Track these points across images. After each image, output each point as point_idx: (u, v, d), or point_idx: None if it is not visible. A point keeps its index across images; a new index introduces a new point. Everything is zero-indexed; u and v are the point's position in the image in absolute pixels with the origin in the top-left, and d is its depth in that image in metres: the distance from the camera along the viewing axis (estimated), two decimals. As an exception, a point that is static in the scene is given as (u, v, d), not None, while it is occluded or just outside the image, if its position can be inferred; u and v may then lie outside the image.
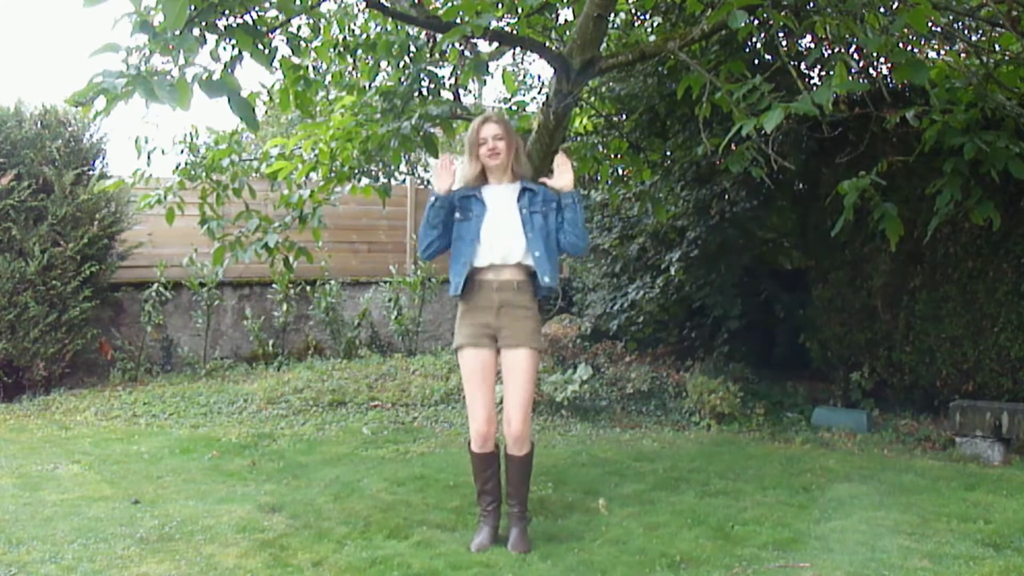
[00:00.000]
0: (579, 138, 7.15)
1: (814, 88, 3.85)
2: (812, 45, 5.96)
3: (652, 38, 6.41)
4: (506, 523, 3.54)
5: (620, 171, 7.37)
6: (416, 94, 5.62)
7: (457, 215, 3.51)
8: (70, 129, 7.40)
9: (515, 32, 5.68)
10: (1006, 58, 4.96)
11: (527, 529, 3.51)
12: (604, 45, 5.83)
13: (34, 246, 6.94)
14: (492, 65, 6.33)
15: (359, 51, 5.74)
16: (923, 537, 3.59)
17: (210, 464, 4.94)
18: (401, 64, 5.70)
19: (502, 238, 3.46)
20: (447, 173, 3.52)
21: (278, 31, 4.70)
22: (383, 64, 5.85)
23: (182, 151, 5.69)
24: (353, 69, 6.00)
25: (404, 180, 11.04)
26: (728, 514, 3.92)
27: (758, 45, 6.05)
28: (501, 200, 3.52)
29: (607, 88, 7.13)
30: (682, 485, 4.48)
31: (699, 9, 5.20)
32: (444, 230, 3.51)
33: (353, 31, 5.82)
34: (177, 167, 5.67)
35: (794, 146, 6.49)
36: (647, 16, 6.79)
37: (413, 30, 5.56)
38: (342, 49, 5.78)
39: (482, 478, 3.53)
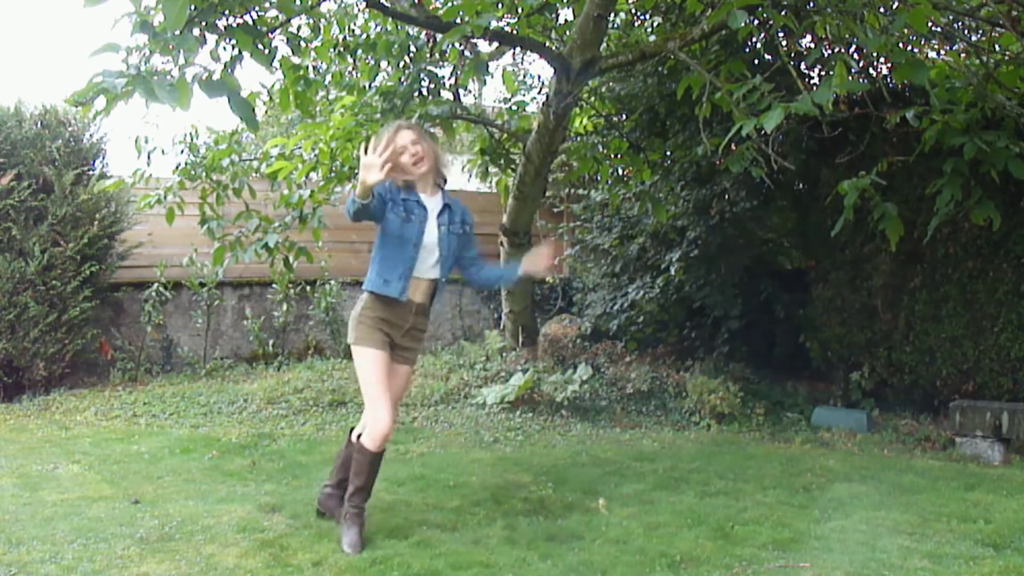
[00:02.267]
0: (579, 138, 7.15)
1: (814, 88, 3.85)
2: (812, 45, 5.96)
3: (652, 38, 6.42)
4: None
5: (620, 171, 7.37)
6: (416, 94, 5.63)
7: (401, 212, 3.43)
8: (70, 129, 7.39)
9: (515, 32, 5.69)
10: (1006, 58, 4.97)
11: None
12: (604, 45, 5.83)
13: (34, 246, 6.94)
14: (492, 65, 6.34)
15: (359, 51, 5.76)
16: (923, 537, 3.59)
17: (210, 464, 4.94)
18: (401, 64, 5.71)
19: (431, 251, 3.49)
20: (377, 168, 3.19)
21: (278, 31, 4.71)
22: (383, 64, 5.86)
23: (182, 151, 5.70)
24: (353, 69, 6.01)
25: (404, 180, 11.01)
26: (728, 514, 3.92)
27: (758, 45, 6.05)
28: (432, 212, 3.51)
29: (607, 88, 7.13)
30: (682, 485, 4.48)
31: (699, 9, 5.21)
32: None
33: (353, 31, 5.82)
34: (177, 167, 5.67)
35: (794, 146, 6.49)
36: (647, 16, 6.80)
37: (413, 30, 5.57)
38: (342, 49, 5.79)
39: (373, 476, 3.52)
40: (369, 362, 3.45)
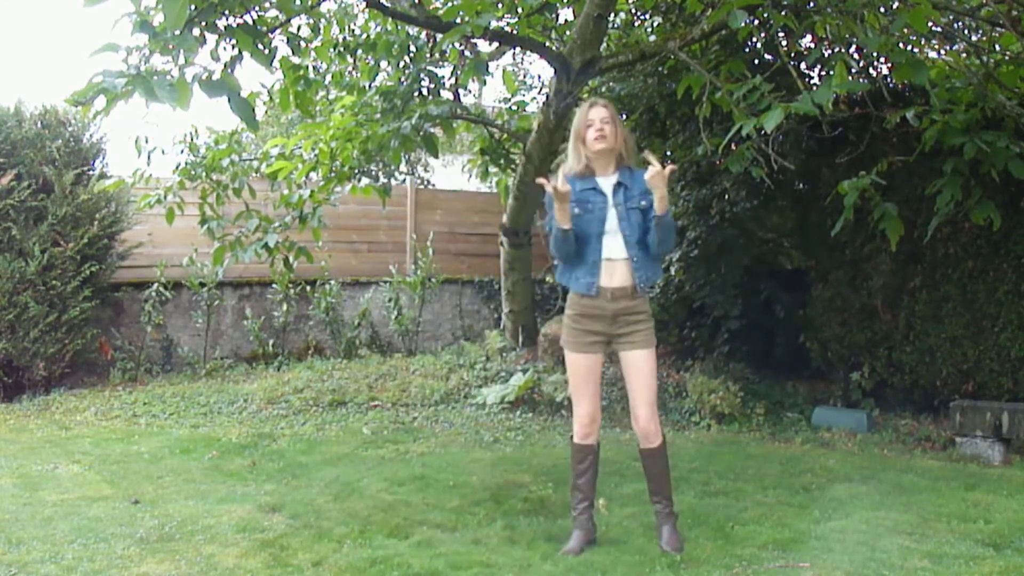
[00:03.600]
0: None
1: (814, 88, 3.85)
2: (812, 45, 5.96)
3: (652, 38, 6.42)
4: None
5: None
6: (416, 94, 5.63)
7: (576, 210, 3.35)
8: (70, 129, 7.39)
9: (515, 32, 5.68)
10: (1006, 58, 4.97)
11: (677, 525, 3.47)
12: (604, 45, 5.83)
13: (34, 246, 6.94)
14: (492, 65, 6.34)
15: (359, 51, 5.75)
16: (923, 537, 3.59)
17: (210, 464, 4.94)
18: (401, 64, 5.70)
19: (614, 236, 3.38)
20: (563, 201, 3.27)
21: (278, 31, 4.71)
22: (383, 64, 5.86)
23: (182, 151, 5.69)
24: (353, 69, 6.00)
25: (404, 180, 11.05)
26: (728, 514, 3.92)
27: (758, 45, 6.05)
28: (609, 195, 3.40)
29: (607, 88, 7.13)
30: (682, 485, 4.47)
31: (699, 9, 5.21)
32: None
33: (353, 31, 5.82)
34: (177, 167, 5.67)
35: (794, 146, 6.48)
36: (647, 16, 6.80)
37: (413, 30, 5.56)
38: (342, 49, 5.78)
39: (577, 470, 3.50)
40: (571, 366, 3.50)
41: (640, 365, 3.41)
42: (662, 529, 3.45)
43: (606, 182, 3.42)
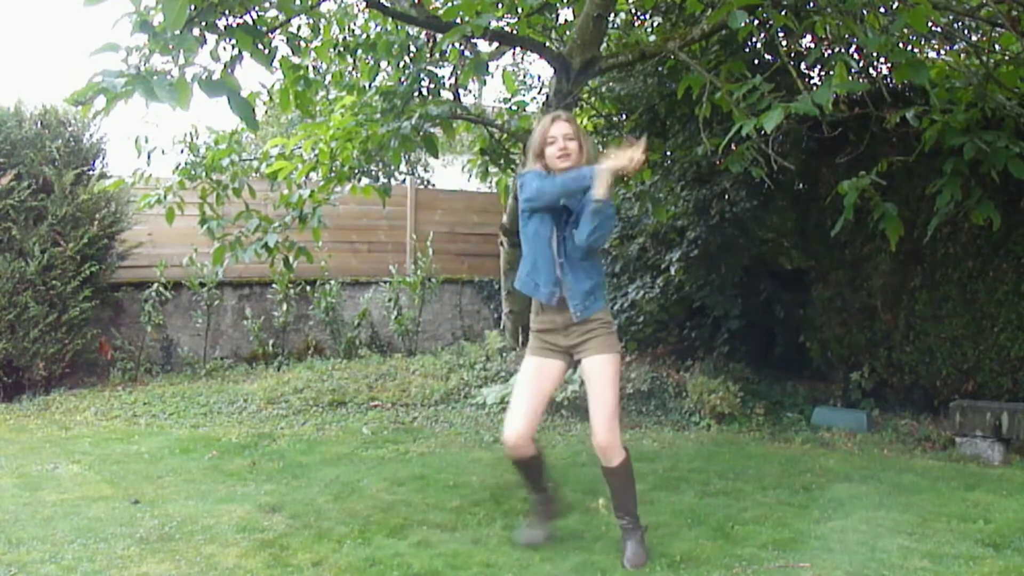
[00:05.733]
0: (579, 138, 7.13)
1: (814, 88, 3.85)
2: (812, 45, 5.96)
3: (652, 38, 6.42)
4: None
5: (620, 171, 7.36)
6: (416, 94, 5.62)
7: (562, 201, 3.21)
8: (70, 129, 7.39)
9: (515, 32, 5.68)
10: (1006, 58, 4.97)
11: (643, 540, 3.32)
12: (604, 45, 5.83)
13: (34, 246, 6.93)
14: (492, 65, 6.33)
15: (359, 51, 5.75)
16: (923, 537, 3.59)
17: (210, 464, 4.94)
18: (401, 64, 5.70)
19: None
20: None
21: (278, 31, 4.70)
22: (383, 64, 5.85)
23: (182, 151, 5.69)
24: (353, 69, 6.00)
25: (404, 180, 11.05)
26: (728, 514, 3.92)
27: (758, 45, 6.05)
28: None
29: (607, 88, 7.13)
30: (682, 485, 4.48)
31: (699, 9, 5.21)
32: None
33: (353, 31, 5.82)
34: (177, 167, 5.66)
35: (794, 146, 6.49)
36: (647, 16, 6.80)
37: (413, 30, 5.56)
38: (342, 49, 5.78)
39: (528, 477, 3.51)
40: (521, 368, 3.43)
41: (592, 374, 3.30)
42: (625, 544, 3.31)
43: None
